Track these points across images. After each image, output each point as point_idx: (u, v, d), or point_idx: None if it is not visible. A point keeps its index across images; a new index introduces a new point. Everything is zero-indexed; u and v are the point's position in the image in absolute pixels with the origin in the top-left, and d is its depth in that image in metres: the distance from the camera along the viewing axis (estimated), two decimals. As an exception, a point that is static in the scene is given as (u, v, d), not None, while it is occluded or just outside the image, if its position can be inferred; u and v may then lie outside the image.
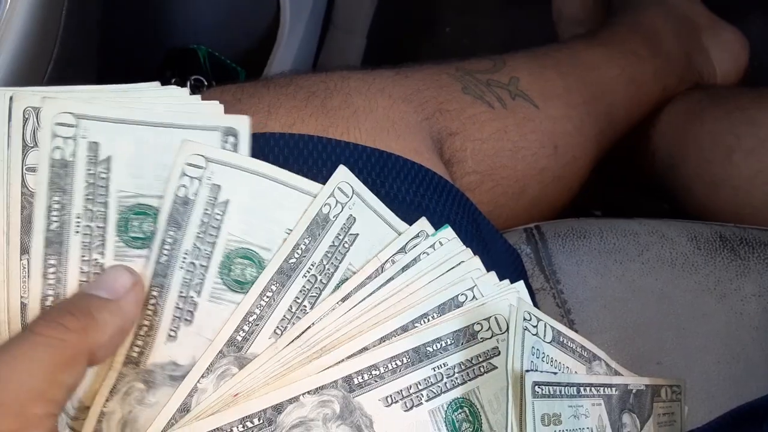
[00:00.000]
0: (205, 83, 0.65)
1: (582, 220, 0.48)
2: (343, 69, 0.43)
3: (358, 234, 0.32)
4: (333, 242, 0.32)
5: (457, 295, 0.33)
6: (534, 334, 0.33)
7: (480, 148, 0.46)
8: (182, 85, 0.65)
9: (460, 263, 0.34)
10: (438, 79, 0.46)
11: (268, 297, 0.30)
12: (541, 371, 0.33)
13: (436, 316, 0.32)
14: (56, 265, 0.30)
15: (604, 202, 0.71)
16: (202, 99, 0.39)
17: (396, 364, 0.31)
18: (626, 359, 0.40)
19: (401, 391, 0.30)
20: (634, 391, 0.37)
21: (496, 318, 0.33)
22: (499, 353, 0.33)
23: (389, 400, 0.30)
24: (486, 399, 0.32)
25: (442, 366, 0.31)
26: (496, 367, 0.32)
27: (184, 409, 0.29)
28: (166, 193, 0.31)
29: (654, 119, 0.64)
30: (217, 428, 0.28)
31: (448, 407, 0.31)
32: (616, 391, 0.36)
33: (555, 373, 0.33)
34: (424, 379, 0.31)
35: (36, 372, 0.25)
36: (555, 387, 0.32)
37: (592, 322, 0.43)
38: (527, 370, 0.31)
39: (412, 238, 0.33)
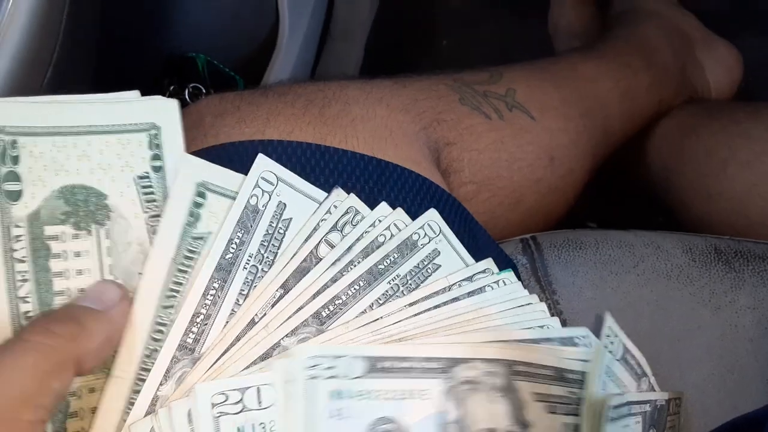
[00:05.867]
0: (204, 91, 0.65)
1: (578, 231, 0.48)
2: (341, 78, 0.44)
3: (440, 266, 0.36)
4: (418, 264, 0.36)
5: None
6: (609, 352, 0.33)
7: (477, 159, 0.46)
8: (180, 92, 0.65)
9: (528, 303, 0.36)
10: (436, 89, 0.46)
11: (354, 290, 0.34)
12: (615, 394, 0.33)
13: None
14: (218, 288, 0.32)
15: (600, 215, 0.71)
16: (200, 107, 0.39)
17: (546, 373, 0.34)
18: (622, 371, 0.40)
19: (545, 394, 0.34)
20: (658, 406, 0.37)
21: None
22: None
23: (536, 397, 0.33)
24: None
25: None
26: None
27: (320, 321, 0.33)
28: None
29: (649, 132, 0.65)
30: (404, 356, 0.31)
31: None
32: (650, 407, 0.36)
33: (622, 394, 0.34)
34: (559, 396, 0.34)
35: (25, 378, 0.25)
36: (619, 408, 0.33)
37: (588, 334, 0.43)
38: (607, 395, 0.32)
39: (478, 272, 0.37)
